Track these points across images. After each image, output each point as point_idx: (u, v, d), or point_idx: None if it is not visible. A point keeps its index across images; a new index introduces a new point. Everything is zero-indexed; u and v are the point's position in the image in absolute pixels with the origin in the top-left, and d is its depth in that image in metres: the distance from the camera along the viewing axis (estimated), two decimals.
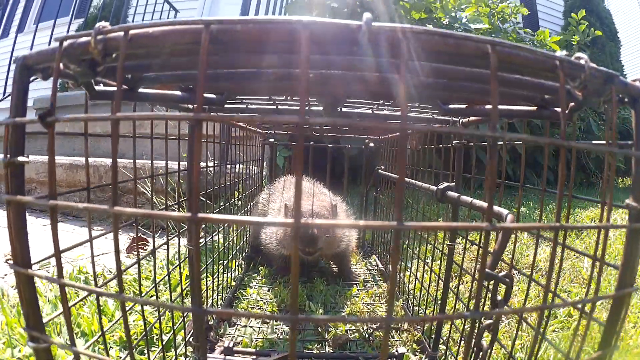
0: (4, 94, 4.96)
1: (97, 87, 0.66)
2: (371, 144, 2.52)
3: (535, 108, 0.78)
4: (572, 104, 0.73)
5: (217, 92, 0.83)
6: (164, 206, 1.27)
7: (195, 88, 0.78)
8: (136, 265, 1.03)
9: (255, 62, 0.53)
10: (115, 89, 0.69)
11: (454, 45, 0.44)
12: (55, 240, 0.52)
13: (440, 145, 1.40)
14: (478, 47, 0.45)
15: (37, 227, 3.11)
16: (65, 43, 0.50)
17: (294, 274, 0.40)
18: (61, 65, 0.52)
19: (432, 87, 0.66)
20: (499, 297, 0.81)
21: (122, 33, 0.46)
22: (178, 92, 0.78)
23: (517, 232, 0.97)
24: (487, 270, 0.79)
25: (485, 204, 0.96)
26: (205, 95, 0.84)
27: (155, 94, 0.74)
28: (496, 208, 0.91)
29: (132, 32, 0.46)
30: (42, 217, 3.49)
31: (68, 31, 4.83)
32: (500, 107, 0.81)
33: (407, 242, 1.97)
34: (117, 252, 0.49)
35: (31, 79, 0.57)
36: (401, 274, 1.92)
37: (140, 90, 0.71)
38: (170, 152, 1.13)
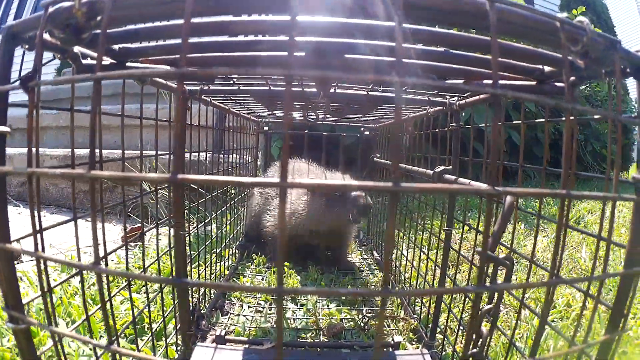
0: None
1: (84, 61, 0.64)
2: (366, 132, 2.50)
3: (534, 83, 0.75)
4: (573, 78, 0.70)
5: (206, 66, 0.81)
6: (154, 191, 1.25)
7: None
8: (130, 252, 0.99)
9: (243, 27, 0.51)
10: (104, 62, 0.66)
11: (451, 2, 0.42)
12: (32, 215, 0.50)
13: (437, 130, 1.37)
14: (476, 5, 0.42)
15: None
16: (51, 8, 0.48)
17: (282, 245, 0.38)
18: (48, 35, 0.50)
19: (428, 56, 0.64)
20: (499, 281, 0.79)
21: None
22: (167, 67, 0.75)
23: (516, 219, 0.95)
24: (487, 252, 0.76)
25: (483, 185, 0.94)
26: (194, 69, 0.81)
27: (145, 68, 0.72)
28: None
29: None
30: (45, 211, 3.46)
31: None
32: (498, 81, 0.79)
33: (402, 231, 1.95)
34: (93, 215, 0.46)
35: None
36: (397, 263, 1.90)
37: (129, 64, 0.69)
38: (162, 144, 1.11)
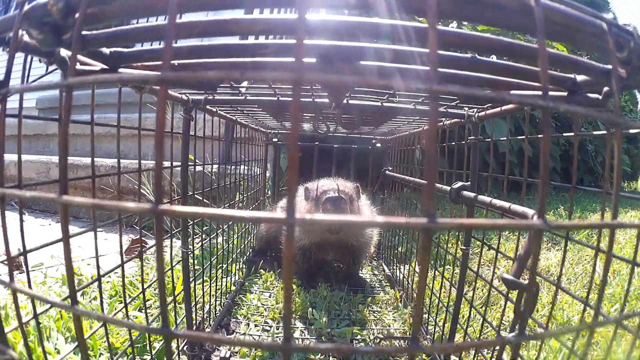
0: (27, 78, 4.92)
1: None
2: (378, 145, 2.44)
3: (565, 93, 0.69)
4: (607, 88, 0.65)
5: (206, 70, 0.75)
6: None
7: (181, 69, 0.69)
8: (130, 268, 0.94)
9: (246, 26, 0.44)
10: (94, 67, 0.60)
11: None
12: (5, 236, 0.44)
13: (454, 143, 1.31)
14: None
15: (36, 227, 3.05)
16: (27, 6, 0.42)
17: (286, 279, 0.32)
18: (25, 34, 0.45)
19: (454, 63, 0.57)
20: (522, 307, 0.73)
21: None
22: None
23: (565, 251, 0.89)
24: (511, 277, 0.70)
25: (506, 204, 0.88)
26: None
27: (138, 74, 0.65)
28: (520, 208, 0.82)
29: None
30: (42, 217, 3.44)
31: None
32: (525, 92, 0.73)
33: (412, 244, 1.89)
34: (66, 244, 0.40)
35: None
36: (409, 279, 1.83)
37: (121, 70, 0.63)
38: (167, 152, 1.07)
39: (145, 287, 1.07)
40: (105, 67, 0.62)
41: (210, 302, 1.52)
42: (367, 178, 2.66)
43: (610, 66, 0.55)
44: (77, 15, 0.41)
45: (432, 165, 0.31)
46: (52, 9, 0.41)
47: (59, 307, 1.10)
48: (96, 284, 0.88)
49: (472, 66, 0.58)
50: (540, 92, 0.72)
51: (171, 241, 1.23)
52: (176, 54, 0.59)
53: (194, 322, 1.31)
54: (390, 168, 2.30)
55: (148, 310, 1.56)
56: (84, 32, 0.49)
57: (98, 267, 0.86)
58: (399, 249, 2.10)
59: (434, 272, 1.52)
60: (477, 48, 0.47)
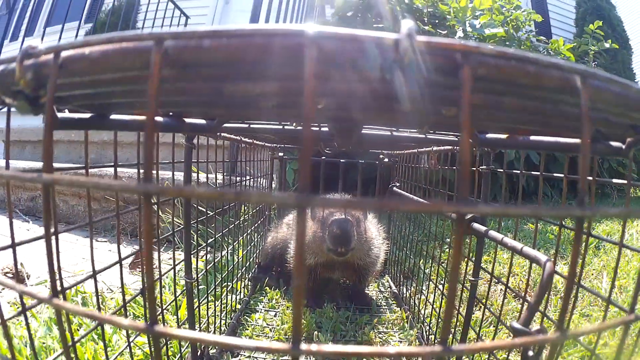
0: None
1: (60, 115, 0.56)
2: (385, 159, 2.42)
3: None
4: (631, 138, 0.62)
5: (207, 117, 0.73)
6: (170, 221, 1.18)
7: (178, 112, 0.67)
8: (133, 283, 0.92)
9: (241, 89, 0.42)
10: (84, 115, 0.58)
11: (534, 76, 0.33)
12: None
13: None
14: (565, 79, 0.34)
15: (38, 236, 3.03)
16: None
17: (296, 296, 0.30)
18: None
19: (473, 116, 0.55)
20: (531, 353, 0.71)
21: (51, 56, 0.35)
22: (160, 119, 0.67)
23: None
24: (519, 326, 0.69)
25: (518, 245, 0.86)
26: (194, 121, 0.73)
27: (132, 121, 0.63)
28: (532, 251, 0.80)
29: (64, 54, 0.35)
30: (41, 224, 3.41)
31: (77, 36, 4.75)
32: (542, 138, 0.71)
33: (420, 261, 1.87)
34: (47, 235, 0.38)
35: None
36: (415, 299, 1.81)
37: (113, 117, 0.61)
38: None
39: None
40: (93, 114, 0.59)
41: (215, 322, 1.50)
42: (374, 192, 2.64)
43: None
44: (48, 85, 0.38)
45: (453, 292, 0.29)
46: (20, 81, 0.38)
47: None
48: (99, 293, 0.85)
49: (492, 117, 0.56)
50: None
51: (174, 264, 1.21)
52: (174, 104, 0.57)
53: (198, 344, 1.30)
54: (397, 184, 2.28)
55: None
56: (61, 94, 0.46)
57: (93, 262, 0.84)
58: (406, 264, 2.08)
59: (442, 295, 1.50)
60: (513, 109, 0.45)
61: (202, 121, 0.75)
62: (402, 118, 0.58)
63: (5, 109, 0.59)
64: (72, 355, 0.61)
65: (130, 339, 0.97)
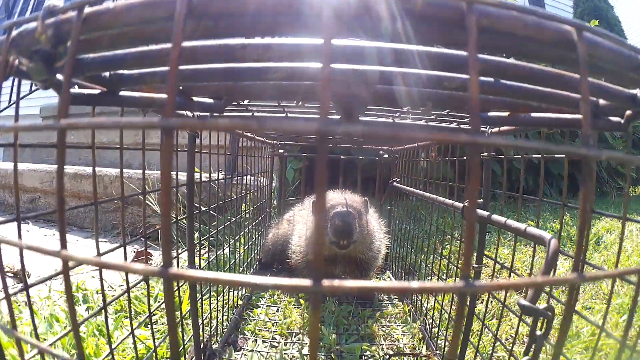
0: (9, 102, 4.92)
1: (71, 90, 0.56)
2: (385, 155, 2.42)
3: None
4: (629, 112, 0.63)
5: (215, 95, 0.73)
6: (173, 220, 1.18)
7: (185, 89, 0.67)
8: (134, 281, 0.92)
9: (258, 53, 0.42)
10: (94, 91, 0.58)
11: (534, 27, 0.33)
12: None
13: (464, 157, 1.29)
14: (561, 30, 0.34)
15: (40, 238, 3.03)
16: (14, 32, 0.40)
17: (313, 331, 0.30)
18: (15, 60, 0.42)
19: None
20: (538, 332, 0.71)
21: (74, 12, 0.35)
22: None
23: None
24: (526, 303, 0.69)
25: (521, 226, 0.86)
26: (201, 99, 0.73)
27: (141, 97, 0.63)
28: (536, 231, 0.80)
29: (88, 9, 0.35)
30: (46, 227, 3.42)
31: None
32: (543, 115, 0.71)
33: (422, 256, 1.86)
34: (70, 299, 0.38)
35: None
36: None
37: (122, 93, 0.60)
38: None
39: (151, 308, 1.05)
40: (105, 90, 0.59)
41: (217, 317, 1.50)
42: (374, 188, 2.64)
43: (635, 91, 0.53)
44: (69, 44, 0.38)
45: (471, 230, 0.29)
46: (40, 37, 0.38)
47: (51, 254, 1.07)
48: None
49: (495, 91, 0.56)
50: (568, 115, 0.70)
51: (177, 257, 1.21)
52: (180, 77, 0.56)
53: (201, 339, 1.29)
54: (397, 179, 2.28)
55: (154, 326, 1.55)
56: (79, 57, 0.46)
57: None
58: (407, 260, 2.08)
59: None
60: (515, 77, 0.45)
61: (210, 100, 0.75)
62: (406, 96, 0.59)
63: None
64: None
65: (133, 328, 0.97)
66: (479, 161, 0.29)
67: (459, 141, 0.28)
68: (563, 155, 0.91)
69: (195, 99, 0.72)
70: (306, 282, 0.28)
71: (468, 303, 1.18)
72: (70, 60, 0.36)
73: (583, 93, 0.32)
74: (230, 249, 1.73)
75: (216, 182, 1.48)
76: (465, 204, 1.08)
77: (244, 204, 2.01)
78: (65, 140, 0.36)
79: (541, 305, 0.69)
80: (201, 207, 1.31)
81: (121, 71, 0.57)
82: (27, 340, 0.45)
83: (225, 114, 1.04)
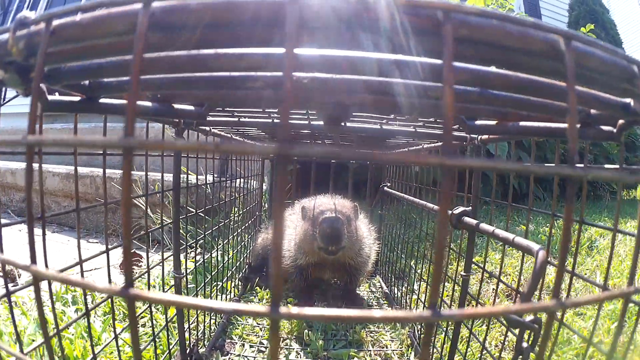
0: (3, 99, 4.90)
1: (50, 97, 0.55)
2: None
3: (578, 125, 0.66)
4: (622, 121, 0.62)
5: (196, 102, 0.72)
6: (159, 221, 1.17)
7: (165, 96, 0.65)
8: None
9: (226, 62, 0.41)
10: (74, 98, 0.57)
11: (518, 37, 0.32)
12: None
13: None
14: (548, 40, 0.33)
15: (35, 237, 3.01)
16: None
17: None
18: None
19: (461, 97, 0.54)
20: (525, 344, 0.70)
21: (43, 25, 0.34)
22: (148, 103, 0.66)
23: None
24: (513, 316, 0.68)
25: (510, 236, 0.85)
26: (182, 106, 0.72)
27: (120, 105, 0.62)
28: (524, 241, 0.79)
29: (56, 22, 0.34)
30: (37, 227, 3.37)
31: None
32: (532, 124, 0.70)
33: (412, 262, 1.85)
34: (41, 318, 0.37)
35: None
36: (406, 298, 1.80)
37: (102, 100, 0.59)
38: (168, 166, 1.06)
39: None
40: (83, 96, 0.58)
41: (204, 321, 1.49)
42: (365, 193, 2.63)
43: (628, 100, 0.52)
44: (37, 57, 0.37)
45: (440, 255, 0.28)
46: (12, 50, 0.37)
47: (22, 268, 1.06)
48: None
49: (482, 99, 0.55)
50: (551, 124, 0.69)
51: (162, 259, 1.19)
52: (159, 85, 0.55)
53: (187, 343, 1.28)
54: (388, 184, 2.28)
55: (141, 329, 1.54)
56: (54, 67, 0.45)
57: None
58: (397, 265, 2.07)
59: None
60: (500, 86, 0.44)
61: (191, 107, 0.74)
62: (392, 101, 0.58)
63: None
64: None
65: (117, 332, 0.96)
66: (450, 181, 0.27)
67: (428, 163, 0.27)
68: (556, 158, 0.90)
69: (176, 106, 0.71)
70: (264, 308, 0.27)
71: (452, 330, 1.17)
72: (39, 72, 0.35)
73: (570, 107, 0.31)
74: (220, 252, 1.71)
75: (205, 185, 1.47)
76: (454, 212, 1.07)
77: (234, 207, 2.00)
78: (32, 156, 0.34)
79: (528, 318, 0.68)
80: (189, 209, 1.29)
81: (100, 79, 0.56)
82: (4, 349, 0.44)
83: (209, 118, 1.03)
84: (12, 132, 5.33)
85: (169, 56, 0.39)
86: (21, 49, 0.36)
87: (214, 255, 1.73)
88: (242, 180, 1.98)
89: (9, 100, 0.73)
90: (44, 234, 0.71)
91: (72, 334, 1.40)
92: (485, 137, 1.03)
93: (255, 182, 2.34)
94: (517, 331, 0.72)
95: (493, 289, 2.16)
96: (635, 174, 0.40)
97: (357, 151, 0.29)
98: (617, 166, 0.70)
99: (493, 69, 0.43)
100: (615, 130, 0.63)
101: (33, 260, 0.37)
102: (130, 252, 0.30)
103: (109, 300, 0.95)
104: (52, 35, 0.34)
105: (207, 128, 1.24)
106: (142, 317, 1.60)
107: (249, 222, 2.30)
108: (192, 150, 0.32)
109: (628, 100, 0.52)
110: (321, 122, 0.96)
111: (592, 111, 0.62)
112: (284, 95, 0.27)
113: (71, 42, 0.35)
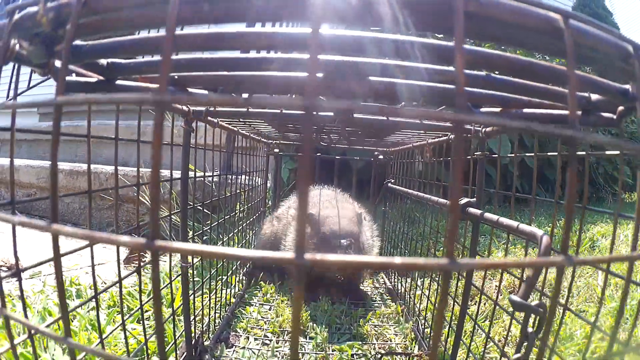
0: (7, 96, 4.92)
1: (68, 78, 0.56)
2: (380, 156, 2.42)
3: (579, 112, 0.67)
4: (621, 108, 0.63)
5: (210, 86, 0.73)
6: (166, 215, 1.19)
7: (180, 79, 0.67)
8: (128, 278, 0.92)
9: (251, 41, 0.42)
10: (91, 79, 0.58)
11: (522, 14, 0.34)
12: None
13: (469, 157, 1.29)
14: (547, 18, 0.34)
15: (35, 232, 3.02)
16: (17, 15, 0.40)
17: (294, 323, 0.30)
18: (16, 44, 0.42)
19: (468, 82, 0.55)
20: (530, 329, 0.71)
21: None
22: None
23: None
24: (518, 299, 0.69)
25: (514, 223, 0.86)
26: (197, 90, 0.73)
27: (137, 87, 0.63)
28: (528, 228, 0.80)
29: None
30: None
31: None
32: (535, 111, 0.71)
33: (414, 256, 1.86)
34: (58, 276, 0.38)
35: None
36: (410, 294, 1.81)
37: (119, 82, 0.61)
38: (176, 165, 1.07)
39: (143, 301, 1.05)
40: (101, 78, 0.60)
41: (209, 314, 1.50)
42: (369, 189, 2.64)
43: (627, 86, 0.54)
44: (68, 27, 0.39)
45: (456, 197, 0.29)
46: (42, 20, 0.38)
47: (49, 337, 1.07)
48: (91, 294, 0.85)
49: (487, 84, 0.56)
50: (550, 111, 0.70)
51: (170, 253, 1.21)
52: (175, 66, 0.57)
53: (193, 335, 1.29)
54: (392, 180, 2.29)
55: (146, 322, 1.54)
56: (77, 43, 0.46)
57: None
58: None
59: (437, 287, 1.50)
60: (502, 68, 0.46)
61: (205, 92, 0.75)
62: (401, 90, 0.59)
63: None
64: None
65: (124, 319, 0.97)
66: (463, 139, 0.29)
67: (443, 118, 0.28)
68: (558, 156, 0.91)
69: (191, 90, 0.72)
70: (290, 254, 0.28)
71: (461, 303, 1.19)
72: (69, 39, 0.36)
73: (570, 78, 0.32)
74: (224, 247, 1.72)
75: (211, 179, 1.48)
76: (460, 203, 1.08)
77: (238, 203, 2.01)
78: (60, 117, 0.36)
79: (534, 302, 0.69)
80: (195, 204, 1.31)
81: (118, 60, 0.58)
82: (16, 319, 0.45)
83: (218, 109, 1.05)
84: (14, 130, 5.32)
85: (197, 34, 0.41)
86: (50, 19, 0.38)
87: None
88: (246, 176, 1.99)
89: (34, 86, 0.74)
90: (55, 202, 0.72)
91: (77, 327, 1.41)
92: (489, 129, 1.04)
93: (259, 178, 2.35)
94: (522, 319, 0.73)
95: (496, 285, 2.18)
96: (633, 142, 0.41)
97: (374, 105, 0.30)
98: (617, 152, 0.71)
99: (496, 51, 0.45)
100: (615, 117, 0.65)
101: (54, 219, 0.39)
102: (157, 204, 0.31)
103: (117, 285, 0.96)
104: (84, 5, 0.35)
105: (215, 120, 1.25)
106: (147, 311, 1.61)
107: (253, 217, 2.31)
108: (224, 104, 0.33)
109: (627, 86, 0.54)
110: (330, 113, 0.98)
111: (593, 97, 0.64)
112: (310, 73, 0.28)
113: (102, 12, 0.36)
